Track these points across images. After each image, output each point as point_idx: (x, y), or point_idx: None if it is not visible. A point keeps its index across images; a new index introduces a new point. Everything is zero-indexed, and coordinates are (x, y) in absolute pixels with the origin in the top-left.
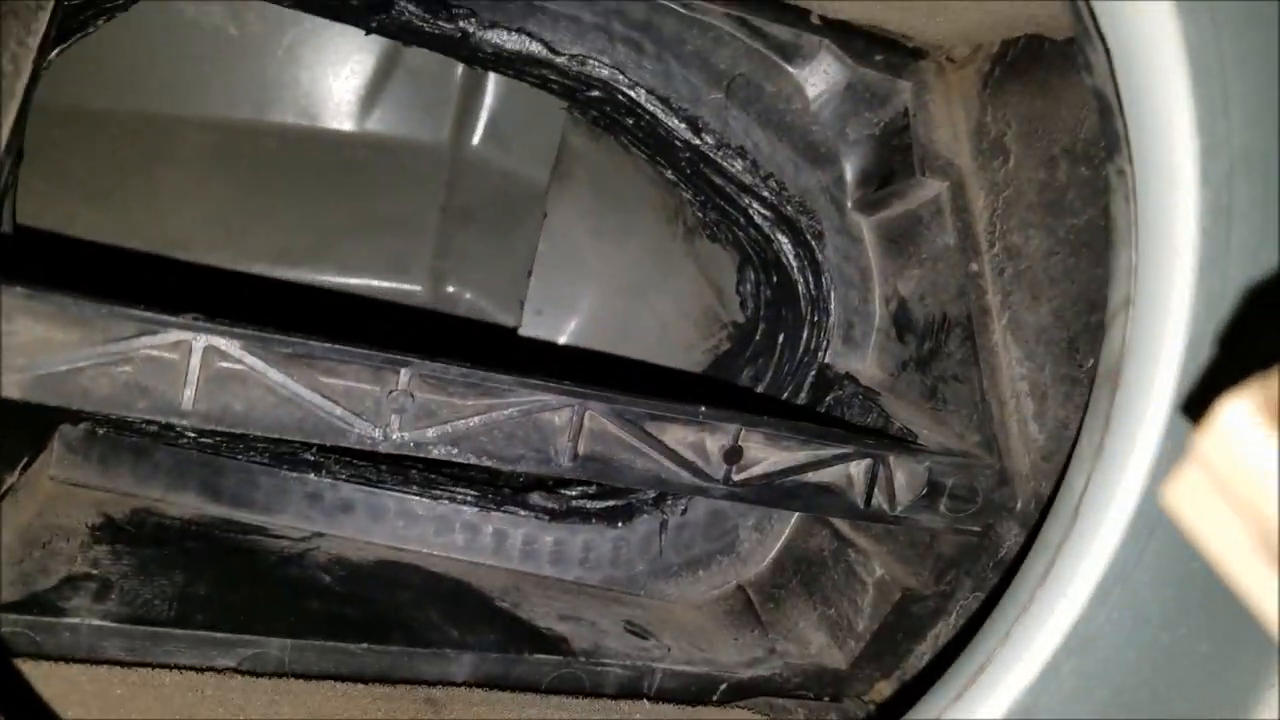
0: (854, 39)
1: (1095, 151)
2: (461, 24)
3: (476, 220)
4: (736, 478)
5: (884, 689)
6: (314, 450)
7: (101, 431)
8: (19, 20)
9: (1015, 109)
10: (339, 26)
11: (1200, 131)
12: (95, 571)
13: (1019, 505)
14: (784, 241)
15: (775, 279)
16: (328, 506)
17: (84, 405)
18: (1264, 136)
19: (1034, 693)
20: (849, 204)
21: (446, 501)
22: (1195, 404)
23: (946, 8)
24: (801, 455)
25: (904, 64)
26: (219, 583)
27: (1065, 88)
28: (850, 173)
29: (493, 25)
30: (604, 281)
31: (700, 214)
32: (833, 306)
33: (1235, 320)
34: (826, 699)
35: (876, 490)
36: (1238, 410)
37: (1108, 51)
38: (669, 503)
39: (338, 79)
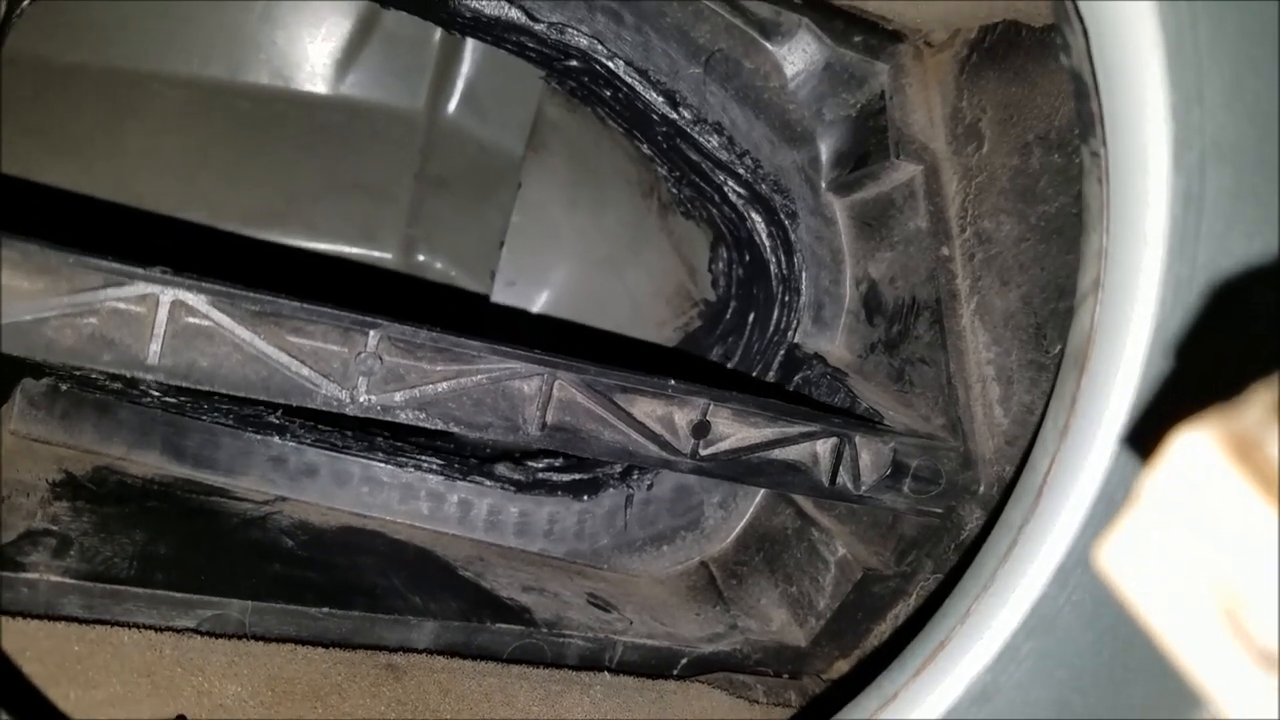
0: (833, 19)
1: (1069, 139)
2: None
3: (450, 189)
4: (704, 452)
5: (843, 667)
6: (279, 413)
7: (65, 387)
8: None
9: (991, 95)
10: None
11: (1174, 118)
12: (55, 528)
13: (981, 488)
14: (757, 220)
15: (748, 258)
16: (292, 470)
17: (48, 357)
18: (1236, 126)
19: (992, 672)
20: (823, 184)
21: (412, 469)
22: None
23: None
24: (769, 432)
25: (882, 46)
26: (180, 543)
27: (1042, 75)
28: (825, 153)
29: None
30: (577, 255)
31: (675, 190)
32: (804, 287)
33: (1202, 300)
34: (786, 675)
35: (841, 469)
36: (1195, 445)
37: (1086, 33)
38: (635, 477)
39: (314, 41)
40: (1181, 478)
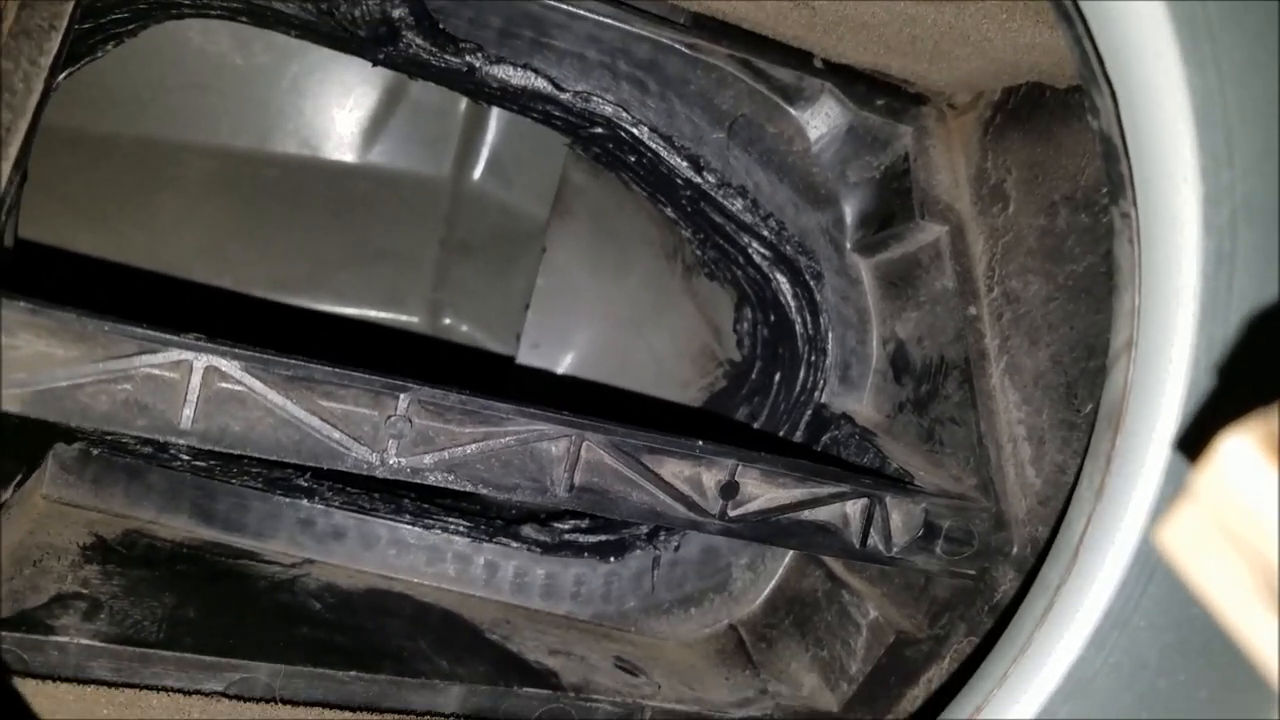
0: (856, 83)
1: (1096, 199)
2: (468, 58)
3: (475, 254)
4: (732, 513)
5: None
6: (307, 476)
7: (96, 451)
8: (31, 40)
9: (1016, 155)
10: (345, 58)
11: (1204, 179)
12: (85, 591)
13: (1015, 549)
14: (782, 281)
15: (773, 318)
16: (319, 533)
17: (83, 422)
18: (1266, 186)
19: None
20: (848, 245)
21: (439, 531)
22: (1193, 440)
23: (948, 55)
24: (798, 493)
25: (905, 109)
26: (208, 606)
27: (1066, 135)
28: (850, 214)
29: (499, 60)
30: (601, 317)
31: (699, 252)
32: (830, 347)
33: (1236, 358)
34: None
35: (872, 530)
36: (1238, 446)
37: (1114, 96)
38: (662, 538)
39: (342, 110)
40: (1226, 472)
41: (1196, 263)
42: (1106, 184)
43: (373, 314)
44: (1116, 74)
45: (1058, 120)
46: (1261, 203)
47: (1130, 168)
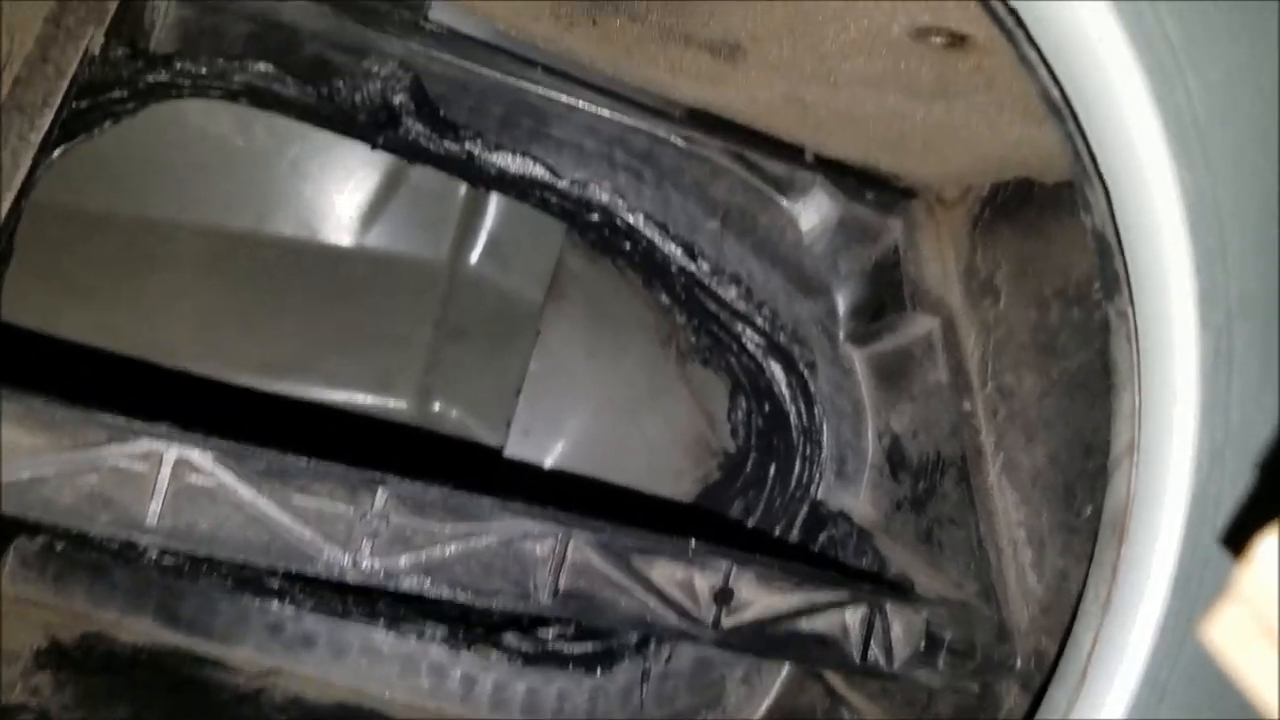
0: (846, 177)
1: (1087, 294)
2: (467, 145)
3: (469, 337)
4: (727, 622)
5: None
6: (279, 576)
7: (59, 547)
8: (24, 115)
9: (1006, 250)
10: (346, 142)
11: (1199, 276)
12: (34, 702)
13: (1019, 663)
14: (776, 370)
15: (767, 408)
16: (288, 639)
17: (43, 516)
18: (1260, 282)
19: None
20: (841, 335)
21: (414, 638)
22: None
23: (937, 150)
24: (795, 599)
25: (895, 202)
26: (167, 719)
27: (1056, 230)
28: (842, 304)
29: (498, 147)
30: (594, 403)
31: (694, 339)
32: (825, 439)
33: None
34: None
35: (873, 642)
36: (1277, 546)
37: (1107, 192)
38: (652, 647)
39: (341, 194)
40: (1266, 571)
41: (1195, 361)
42: (1100, 281)
43: (361, 398)
44: (1108, 170)
45: (1047, 215)
46: (1256, 299)
47: (1126, 264)
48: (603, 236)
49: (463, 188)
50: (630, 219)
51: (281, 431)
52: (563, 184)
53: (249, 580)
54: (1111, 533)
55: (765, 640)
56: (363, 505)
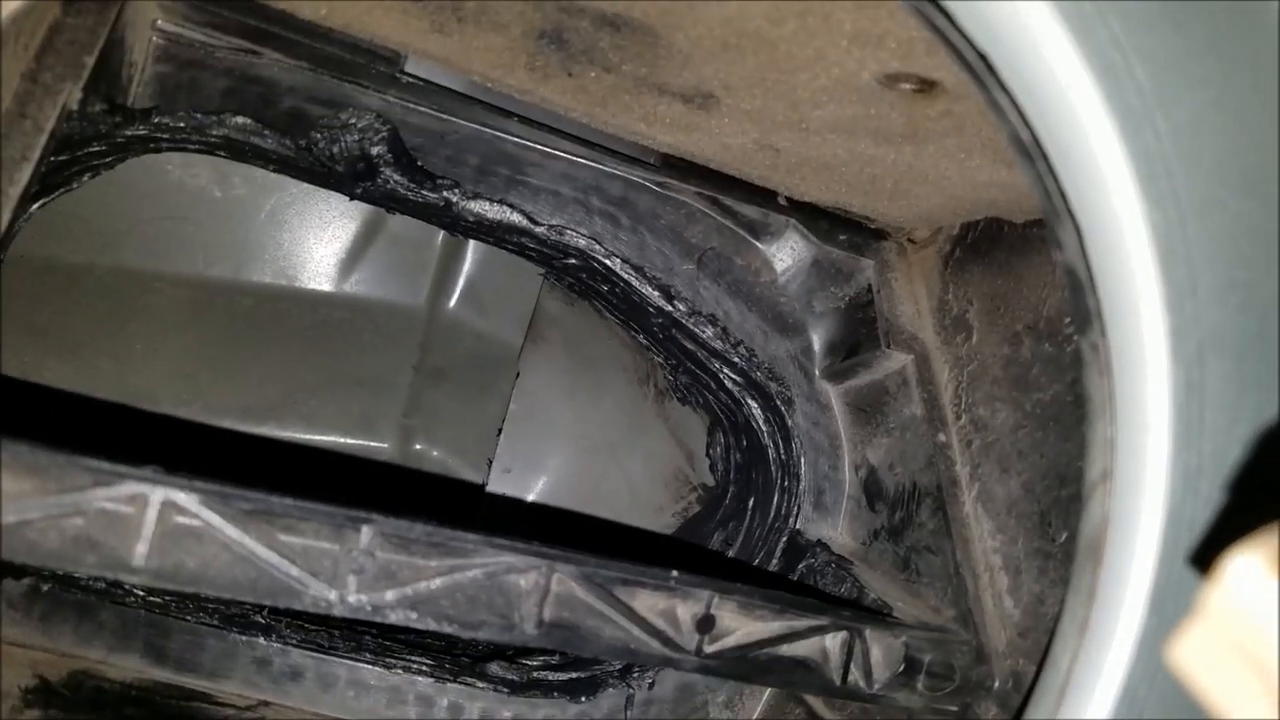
0: (819, 219)
1: (1059, 329)
2: (445, 194)
3: (449, 379)
4: (709, 649)
5: None
6: (265, 612)
7: (46, 588)
8: (2, 170)
9: (977, 287)
10: (324, 192)
11: (1170, 311)
12: None
13: (996, 684)
14: (754, 406)
15: (745, 443)
16: (276, 673)
17: (29, 559)
18: (1229, 316)
19: None
20: (817, 372)
21: (400, 671)
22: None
23: (908, 193)
24: (776, 626)
25: (867, 243)
26: None
27: (1026, 268)
28: (818, 342)
29: (475, 196)
30: (574, 442)
31: (671, 377)
32: (803, 472)
33: (1211, 484)
34: None
35: (853, 666)
36: (1244, 565)
37: (1078, 229)
38: (635, 675)
39: (319, 242)
40: (1234, 590)
41: (1167, 393)
42: (1073, 316)
43: (343, 440)
44: (1079, 209)
45: (1016, 254)
46: (1227, 332)
47: (1098, 300)
48: (580, 280)
49: (440, 235)
50: (607, 262)
51: (266, 475)
52: (540, 230)
53: (235, 617)
54: (1088, 557)
55: (747, 665)
56: (348, 542)
